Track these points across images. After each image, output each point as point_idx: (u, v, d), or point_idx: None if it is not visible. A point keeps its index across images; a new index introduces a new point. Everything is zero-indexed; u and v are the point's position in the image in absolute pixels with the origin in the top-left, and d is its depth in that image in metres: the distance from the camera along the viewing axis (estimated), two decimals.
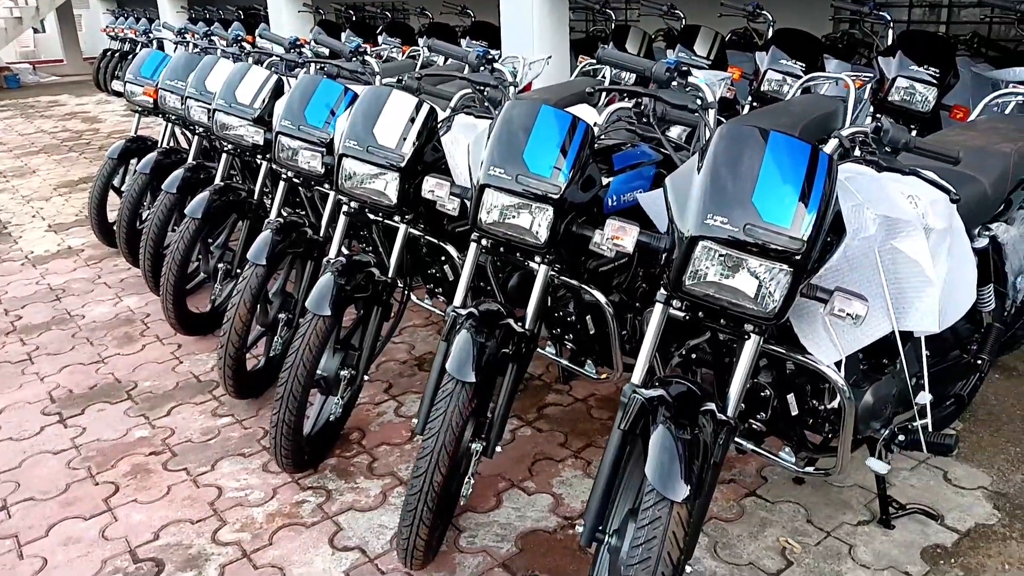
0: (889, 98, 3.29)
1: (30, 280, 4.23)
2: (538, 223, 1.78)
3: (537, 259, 1.91)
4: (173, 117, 3.86)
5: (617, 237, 1.51)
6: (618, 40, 4.54)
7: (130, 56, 10.80)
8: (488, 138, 1.81)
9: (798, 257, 1.34)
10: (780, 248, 1.35)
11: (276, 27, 7.51)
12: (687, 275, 1.41)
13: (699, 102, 1.94)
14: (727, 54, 4.10)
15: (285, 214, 3.04)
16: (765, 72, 3.73)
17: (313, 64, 3.35)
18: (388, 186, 2.18)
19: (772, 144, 1.41)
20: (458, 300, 1.98)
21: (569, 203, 1.78)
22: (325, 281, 2.20)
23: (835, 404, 1.70)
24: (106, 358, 3.24)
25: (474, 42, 5.41)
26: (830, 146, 1.55)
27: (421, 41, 6.02)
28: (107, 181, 4.31)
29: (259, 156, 3.06)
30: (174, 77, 3.78)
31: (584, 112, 2.07)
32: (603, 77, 3.99)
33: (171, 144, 4.22)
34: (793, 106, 2.90)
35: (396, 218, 2.28)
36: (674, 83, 1.99)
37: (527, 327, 1.93)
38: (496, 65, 2.65)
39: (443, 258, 2.59)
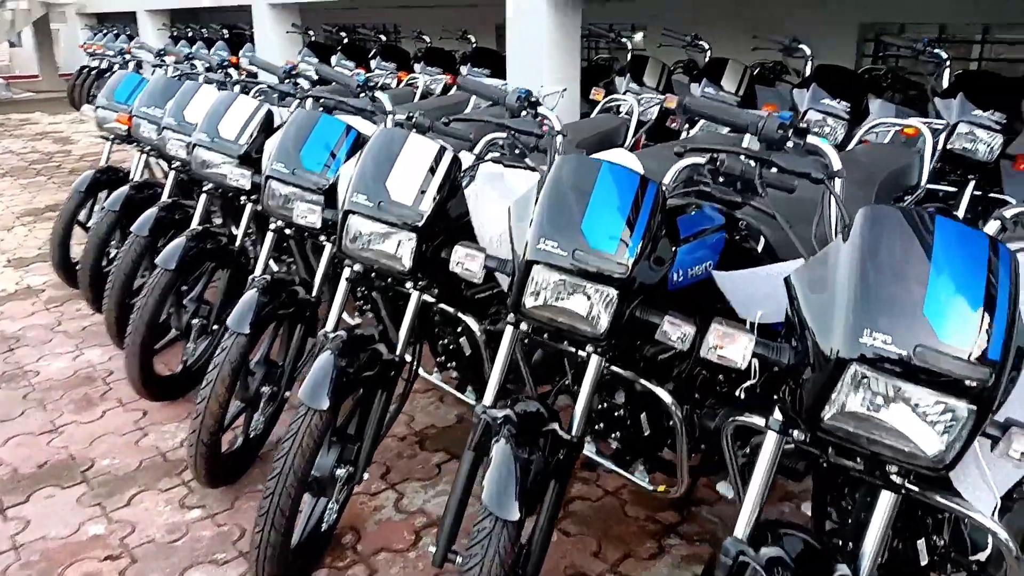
0: (948, 146, 3.04)
1: None
2: (598, 308, 1.52)
3: (589, 349, 1.62)
4: (148, 148, 3.57)
5: (720, 346, 1.24)
6: (635, 71, 4.27)
7: (107, 75, 10.37)
8: (536, 201, 1.56)
9: (622, 280, 1.40)
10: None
11: (263, 49, 7.26)
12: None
13: (825, 169, 1.58)
14: (755, 90, 3.93)
15: (273, 268, 2.75)
16: (805, 112, 3.46)
17: (310, 98, 3.02)
18: (402, 248, 1.89)
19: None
20: (488, 398, 1.73)
21: (638, 284, 1.51)
22: (322, 364, 1.89)
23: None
24: (60, 427, 2.90)
25: (475, 69, 5.25)
26: (991, 227, 1.35)
27: (418, 67, 5.88)
28: (72, 216, 3.96)
29: (243, 198, 2.77)
30: (150, 103, 3.50)
31: (630, 163, 1.85)
32: (628, 114, 3.57)
33: (145, 177, 3.88)
34: (861, 156, 2.65)
35: (408, 284, 1.99)
36: (789, 144, 1.64)
37: (574, 433, 1.64)
38: (541, 109, 2.32)
39: (459, 329, 2.30)
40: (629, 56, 4.65)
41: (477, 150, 2.20)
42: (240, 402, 2.39)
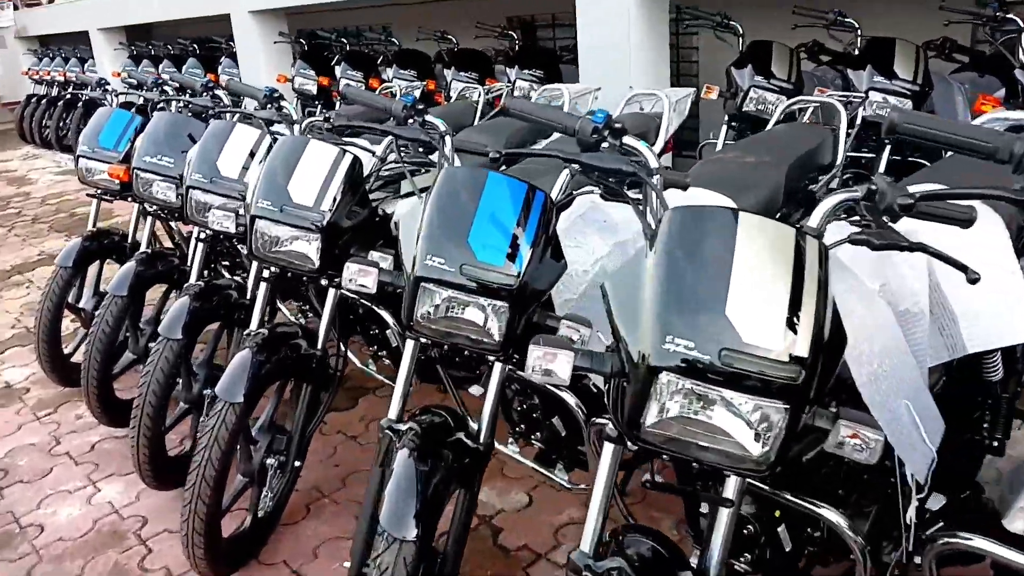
0: (864, 115, 3.18)
1: None
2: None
3: (491, 359, 1.80)
4: (162, 212, 3.19)
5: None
6: (760, 59, 3.74)
7: (59, 103, 9.40)
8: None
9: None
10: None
11: (247, 63, 7.01)
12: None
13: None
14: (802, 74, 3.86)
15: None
16: (866, 93, 3.26)
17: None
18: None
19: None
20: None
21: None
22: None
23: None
24: None
25: (461, 73, 4.99)
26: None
27: (390, 72, 5.69)
28: (60, 300, 3.38)
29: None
30: (156, 151, 3.01)
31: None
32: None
33: (151, 242, 3.44)
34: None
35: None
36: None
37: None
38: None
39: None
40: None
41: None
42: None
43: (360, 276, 1.72)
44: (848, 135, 2.96)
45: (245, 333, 2.43)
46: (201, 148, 2.70)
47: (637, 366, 1.16)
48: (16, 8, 12.54)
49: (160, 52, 8.67)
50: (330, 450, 3.04)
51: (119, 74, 6.81)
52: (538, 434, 2.28)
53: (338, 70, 5.80)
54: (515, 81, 4.66)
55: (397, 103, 2.28)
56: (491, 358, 1.74)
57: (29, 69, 10.66)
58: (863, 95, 3.25)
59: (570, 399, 1.97)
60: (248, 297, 2.74)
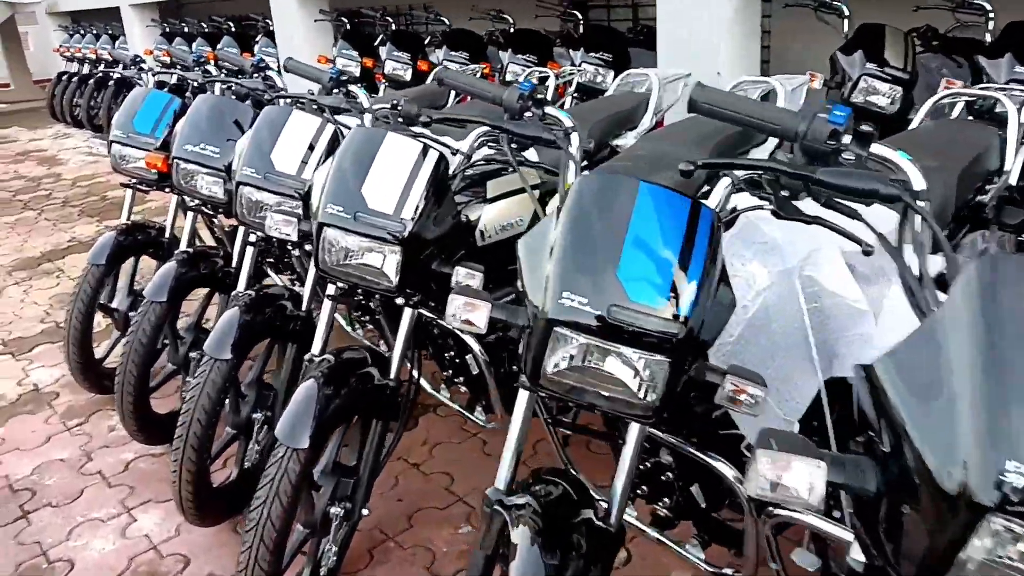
0: None
1: None
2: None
3: (399, 302, 1.90)
4: (204, 207, 2.90)
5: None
6: (871, 45, 3.35)
7: (90, 80, 9.16)
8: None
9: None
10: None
11: (285, 43, 6.59)
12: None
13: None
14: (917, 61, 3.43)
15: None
16: (1008, 84, 2.96)
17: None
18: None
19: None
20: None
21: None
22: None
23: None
24: None
25: (518, 56, 4.67)
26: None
27: (439, 53, 5.38)
28: (92, 300, 3.09)
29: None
30: (198, 139, 2.70)
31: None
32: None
33: (192, 239, 3.08)
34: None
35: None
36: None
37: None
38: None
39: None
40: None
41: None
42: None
43: (467, 311, 1.35)
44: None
45: (307, 359, 2.09)
46: (253, 138, 2.37)
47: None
48: None
49: (194, 30, 8.36)
50: (391, 480, 2.68)
51: (151, 52, 6.52)
52: (665, 500, 1.91)
53: (383, 51, 5.47)
54: (581, 65, 4.31)
55: (511, 92, 1.93)
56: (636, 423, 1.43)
57: (60, 46, 10.42)
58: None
59: (726, 470, 1.61)
60: (303, 309, 2.39)
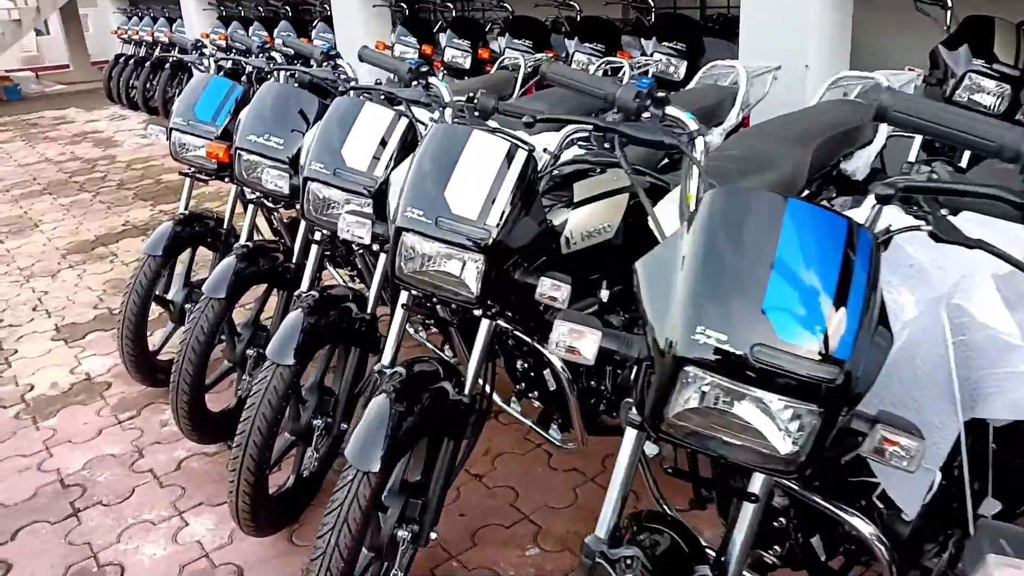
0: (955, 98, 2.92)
1: (27, 461, 2.91)
2: (467, 272, 1.66)
3: (477, 312, 1.82)
4: (266, 199, 2.75)
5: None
6: (978, 38, 3.10)
7: (146, 63, 9.19)
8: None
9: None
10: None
11: (343, 29, 6.40)
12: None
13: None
14: None
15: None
16: None
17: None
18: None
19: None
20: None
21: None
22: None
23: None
24: None
25: (585, 45, 4.51)
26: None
27: (501, 41, 5.17)
28: (148, 292, 2.99)
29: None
30: (263, 130, 2.56)
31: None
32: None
33: (251, 232, 2.97)
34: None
35: (476, 312, 1.90)
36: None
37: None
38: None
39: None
40: None
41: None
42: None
43: (574, 339, 1.20)
44: None
45: (376, 370, 1.98)
46: (322, 131, 2.21)
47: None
48: None
49: (251, 14, 8.30)
50: (452, 492, 2.50)
51: (207, 35, 6.47)
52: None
53: (442, 38, 5.29)
54: (653, 54, 4.10)
55: (627, 89, 1.70)
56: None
57: (118, 28, 10.48)
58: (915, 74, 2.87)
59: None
60: (368, 312, 2.28)
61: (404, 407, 1.74)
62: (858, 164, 2.50)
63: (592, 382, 2.15)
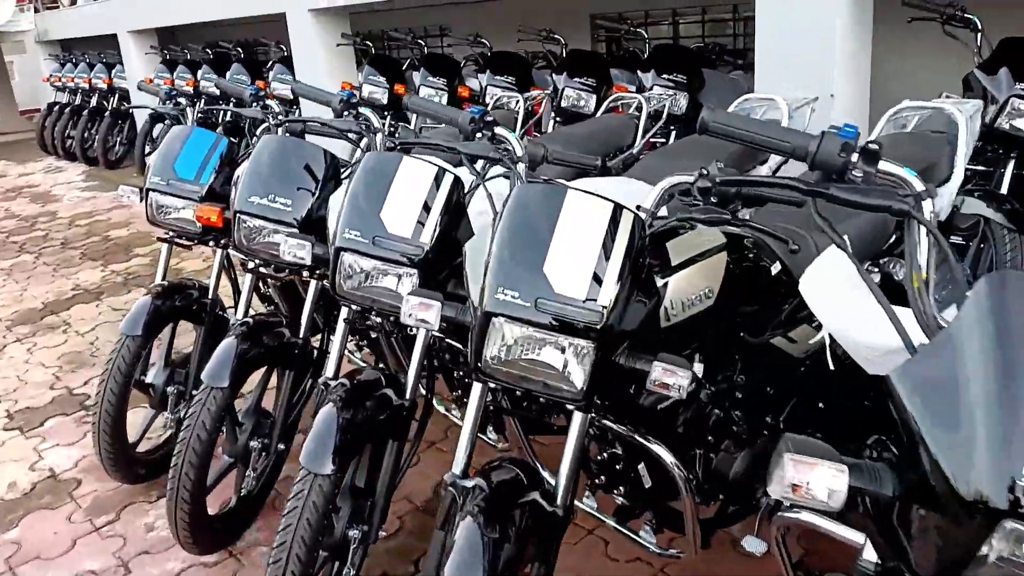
0: (997, 124, 2.79)
1: None
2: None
3: (570, 408, 1.58)
4: (265, 267, 2.39)
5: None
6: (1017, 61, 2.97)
7: (84, 111, 8.76)
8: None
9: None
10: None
11: (304, 68, 6.10)
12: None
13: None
14: None
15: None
16: None
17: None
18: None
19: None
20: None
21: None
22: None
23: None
24: None
25: (574, 80, 4.28)
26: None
27: (483, 79, 4.96)
28: (127, 377, 2.59)
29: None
30: (265, 191, 2.25)
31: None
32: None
33: (249, 306, 2.61)
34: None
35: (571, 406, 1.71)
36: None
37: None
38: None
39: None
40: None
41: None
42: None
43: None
44: None
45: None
46: (361, 191, 1.86)
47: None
48: (36, 11, 11.80)
49: (197, 56, 7.88)
50: (394, 523, 2.45)
51: (151, 80, 6.08)
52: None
53: (416, 76, 5.08)
54: (652, 87, 3.89)
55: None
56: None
57: (51, 76, 9.93)
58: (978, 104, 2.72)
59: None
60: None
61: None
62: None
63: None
